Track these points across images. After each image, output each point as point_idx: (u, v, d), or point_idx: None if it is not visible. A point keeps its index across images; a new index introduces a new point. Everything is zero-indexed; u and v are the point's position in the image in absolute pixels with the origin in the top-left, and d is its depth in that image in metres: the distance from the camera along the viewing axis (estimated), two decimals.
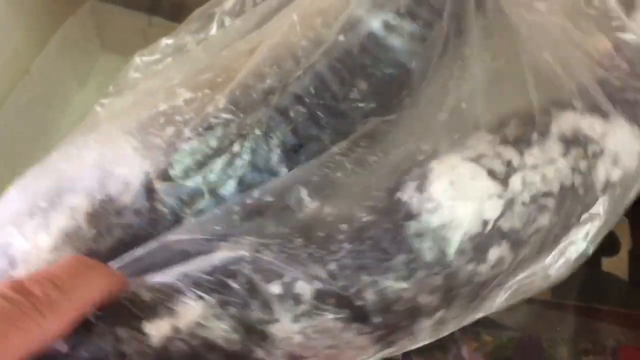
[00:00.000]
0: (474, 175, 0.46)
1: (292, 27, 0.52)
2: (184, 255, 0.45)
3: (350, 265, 0.44)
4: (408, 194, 0.46)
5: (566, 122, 0.49)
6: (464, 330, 0.70)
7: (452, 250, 0.45)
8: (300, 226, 0.45)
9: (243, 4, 0.57)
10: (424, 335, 0.47)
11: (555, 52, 0.52)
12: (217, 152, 0.48)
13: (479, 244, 0.46)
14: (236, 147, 0.49)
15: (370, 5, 0.52)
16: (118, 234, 0.47)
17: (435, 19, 0.52)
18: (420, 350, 0.70)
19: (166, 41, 0.57)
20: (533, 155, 0.48)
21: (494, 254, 0.46)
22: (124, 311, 0.42)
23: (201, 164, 0.48)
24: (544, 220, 0.47)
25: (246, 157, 0.49)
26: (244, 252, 0.44)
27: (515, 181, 0.47)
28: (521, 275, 0.49)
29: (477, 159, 0.47)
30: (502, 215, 0.46)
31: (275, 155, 0.49)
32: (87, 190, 0.47)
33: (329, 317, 0.43)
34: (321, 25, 0.52)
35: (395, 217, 0.45)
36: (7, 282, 0.38)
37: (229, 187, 0.48)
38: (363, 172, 0.47)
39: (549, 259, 0.49)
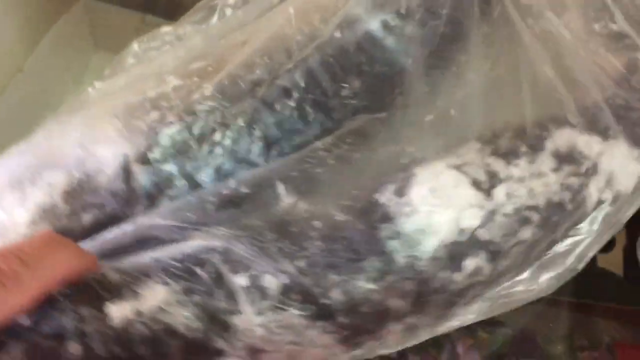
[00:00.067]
0: (456, 184, 0.46)
1: (288, 20, 0.51)
2: (157, 241, 0.45)
3: (320, 263, 0.43)
4: (386, 197, 0.45)
5: (562, 138, 0.49)
6: (459, 327, 0.70)
7: (425, 256, 0.44)
8: (274, 220, 0.45)
9: None
10: (393, 340, 0.47)
11: (559, 66, 0.51)
12: (198, 139, 0.48)
13: (455, 252, 0.45)
14: (218, 136, 0.48)
15: (369, 5, 0.52)
16: (92, 213, 0.47)
17: (435, 23, 0.52)
18: (416, 348, 0.69)
19: (165, 29, 0.57)
20: (520, 167, 0.47)
21: (470, 263, 0.45)
22: (89, 291, 0.42)
23: (181, 150, 0.48)
24: (527, 233, 0.47)
25: (227, 146, 0.48)
26: (215, 242, 0.44)
27: (499, 192, 0.46)
28: (501, 287, 0.48)
29: (462, 167, 0.47)
30: (481, 225, 0.45)
31: (257, 147, 0.49)
32: (66, 168, 0.47)
33: (294, 313, 0.43)
34: (319, 21, 0.52)
35: (370, 219, 0.44)
36: None
37: (207, 175, 0.48)
38: (344, 169, 0.47)
39: (531, 273, 0.49)
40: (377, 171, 0.47)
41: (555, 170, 0.47)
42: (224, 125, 0.49)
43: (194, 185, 0.48)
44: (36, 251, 0.40)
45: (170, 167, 0.48)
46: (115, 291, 0.42)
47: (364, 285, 0.44)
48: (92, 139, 0.48)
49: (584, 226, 0.49)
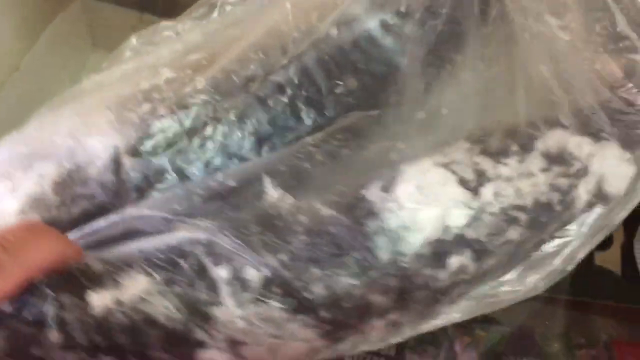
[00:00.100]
0: (444, 182, 0.46)
1: (285, 15, 0.52)
2: (143, 232, 0.46)
3: (303, 257, 0.43)
4: (373, 193, 0.45)
5: (553, 139, 0.48)
6: (457, 325, 0.70)
7: (409, 252, 0.44)
8: (259, 214, 0.45)
9: None
10: (377, 336, 0.47)
11: (555, 68, 0.51)
12: (189, 133, 0.48)
13: (440, 249, 0.45)
14: (209, 130, 0.49)
15: (369, 5, 0.52)
16: (81, 204, 0.48)
17: (434, 23, 0.52)
18: (413, 345, 0.70)
19: (165, 24, 0.57)
20: (510, 167, 0.47)
21: (455, 261, 0.45)
22: (72, 279, 0.42)
23: (171, 143, 0.48)
24: (514, 233, 0.46)
25: (218, 140, 0.49)
26: (200, 234, 0.44)
27: (487, 191, 0.46)
28: (487, 286, 0.48)
29: (449, 165, 0.47)
30: (467, 223, 0.45)
31: (248, 143, 0.49)
32: (57, 158, 0.48)
33: (275, 306, 0.43)
34: (316, 19, 0.52)
35: (355, 214, 0.44)
36: None
37: (197, 169, 0.48)
38: (333, 165, 0.47)
39: (518, 273, 0.48)
40: (366, 167, 0.47)
41: (545, 170, 0.47)
42: (215, 119, 0.49)
43: (184, 179, 0.49)
44: (19, 239, 0.41)
45: (160, 160, 0.48)
46: (97, 280, 0.42)
47: (346, 280, 0.44)
48: (83, 130, 0.49)
49: (572, 227, 0.48)
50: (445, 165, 0.46)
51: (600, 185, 0.48)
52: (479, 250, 0.46)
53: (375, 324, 0.46)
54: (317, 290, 0.43)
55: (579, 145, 0.48)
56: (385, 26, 0.51)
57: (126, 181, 0.48)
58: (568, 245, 0.48)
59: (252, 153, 0.49)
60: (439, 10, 0.51)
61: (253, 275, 0.43)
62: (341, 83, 0.51)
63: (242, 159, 0.49)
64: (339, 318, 0.44)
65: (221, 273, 0.43)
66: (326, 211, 0.44)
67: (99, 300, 0.42)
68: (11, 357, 0.41)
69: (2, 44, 0.84)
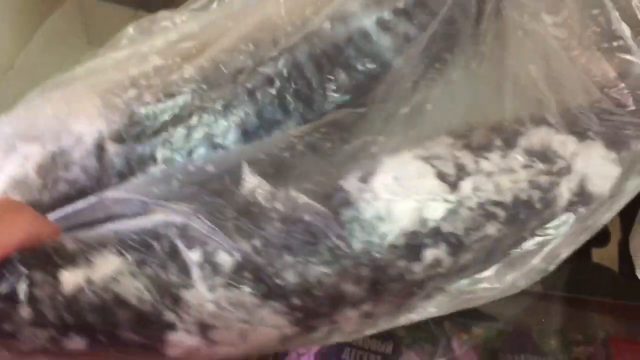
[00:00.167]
0: (420, 174, 0.46)
1: (277, 7, 0.52)
2: (121, 214, 0.46)
3: (276, 244, 0.44)
4: (350, 183, 0.45)
5: (537, 136, 0.48)
6: (454, 322, 0.70)
7: (383, 243, 0.44)
8: (236, 200, 0.45)
9: None
10: (350, 326, 0.46)
11: (546, 66, 0.51)
12: (174, 121, 0.49)
13: (415, 241, 0.45)
14: (194, 119, 0.49)
15: (365, 1, 0.52)
16: (62, 188, 0.48)
17: (431, 21, 0.52)
18: (410, 343, 0.70)
19: (163, 14, 0.58)
20: (491, 162, 0.47)
21: (430, 254, 0.45)
22: (45, 257, 0.42)
23: (156, 131, 0.49)
24: (491, 229, 0.46)
25: (203, 130, 0.49)
26: (175, 217, 0.45)
27: (466, 185, 0.46)
28: (465, 282, 0.48)
29: (429, 159, 0.47)
30: (444, 217, 0.45)
31: (234, 134, 0.49)
32: (42, 141, 0.49)
33: (245, 291, 0.43)
34: (311, 14, 0.52)
35: (331, 203, 0.44)
36: None
37: (181, 158, 0.49)
38: (313, 156, 0.47)
39: (496, 270, 0.48)
40: (346, 160, 0.47)
41: (526, 167, 0.47)
42: (201, 108, 0.49)
43: (167, 167, 0.49)
44: None
45: (144, 148, 0.49)
46: (70, 258, 0.43)
47: (319, 268, 0.44)
48: (69, 114, 0.49)
49: (553, 226, 0.48)
50: (425, 159, 0.46)
51: (583, 185, 0.48)
52: (455, 245, 0.46)
53: (349, 315, 0.46)
54: (289, 277, 0.44)
55: (563, 143, 0.48)
56: (381, 23, 0.52)
57: (109, 167, 0.48)
58: (548, 244, 0.48)
59: (237, 145, 0.49)
60: (435, 9, 0.52)
61: (225, 259, 0.43)
62: (332, 78, 0.51)
63: (227, 150, 0.49)
64: (311, 306, 0.44)
65: (193, 256, 0.43)
66: (302, 199, 0.44)
67: (71, 278, 0.42)
68: None
69: None
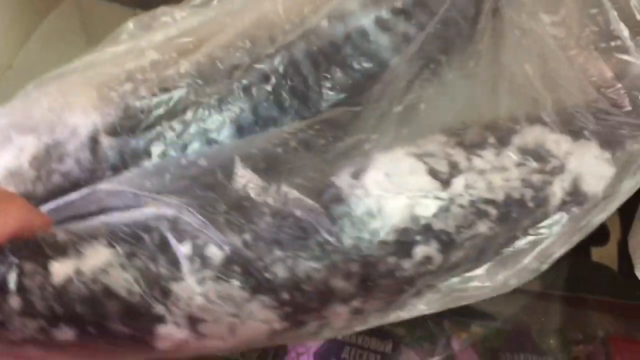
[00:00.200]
0: (412, 171, 0.46)
1: (275, 5, 0.52)
2: (113, 207, 0.46)
3: (267, 238, 0.44)
4: (342, 179, 0.45)
5: (531, 134, 0.48)
6: (453, 321, 0.70)
7: (373, 239, 0.44)
8: (227, 193, 0.45)
9: None
10: (340, 322, 0.46)
11: (542, 65, 0.50)
12: (168, 116, 0.49)
13: (405, 238, 0.45)
14: (189, 114, 0.49)
15: (364, 1, 0.52)
16: (56, 180, 0.48)
17: (429, 21, 0.52)
18: (409, 342, 0.70)
19: (164, 9, 0.57)
20: (484, 159, 0.47)
21: (420, 251, 0.45)
22: (36, 247, 0.43)
23: (150, 125, 0.49)
24: (483, 227, 0.46)
25: (198, 125, 0.49)
26: (166, 210, 0.45)
27: (458, 183, 0.46)
28: (456, 280, 0.48)
29: (421, 156, 0.47)
30: (435, 214, 0.45)
31: (228, 130, 0.49)
32: (37, 133, 0.49)
33: (235, 285, 0.43)
34: (309, 12, 0.52)
35: (322, 199, 0.45)
36: None
37: (174, 153, 0.49)
38: (306, 152, 0.47)
39: (489, 269, 0.48)
40: (339, 156, 0.47)
41: (519, 165, 0.47)
42: (196, 103, 0.49)
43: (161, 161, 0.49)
44: None
45: (138, 142, 0.49)
46: (60, 249, 0.43)
47: (308, 263, 0.44)
48: (65, 106, 0.49)
49: (546, 225, 0.48)
50: (417, 156, 0.46)
51: (577, 184, 0.48)
52: (446, 242, 0.45)
53: (339, 310, 0.46)
54: (279, 272, 0.44)
55: (557, 142, 0.48)
56: (379, 23, 0.52)
57: (103, 160, 0.48)
58: (541, 244, 0.48)
59: (231, 141, 0.49)
60: (435, 8, 0.52)
61: (215, 253, 0.43)
62: (329, 76, 0.51)
63: (221, 145, 0.49)
64: (300, 301, 0.44)
65: (183, 249, 0.43)
66: (293, 194, 0.44)
67: (61, 269, 0.42)
68: None
69: None
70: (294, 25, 0.51)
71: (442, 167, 0.46)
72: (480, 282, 0.47)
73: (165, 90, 0.49)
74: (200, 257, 0.43)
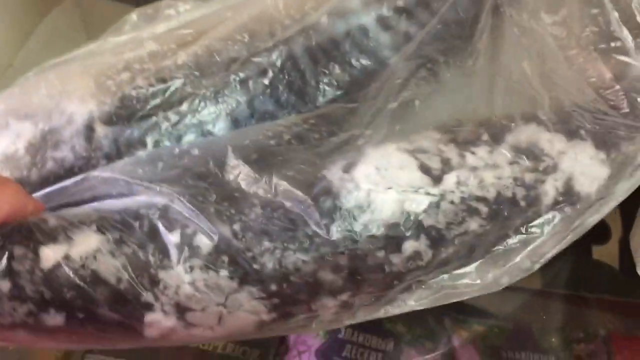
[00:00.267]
0: (403, 165, 0.46)
1: (275, 0, 0.52)
2: (106, 194, 0.47)
3: (256, 229, 0.44)
4: (333, 173, 0.45)
5: (526, 133, 0.48)
6: (454, 319, 0.70)
7: (362, 233, 0.44)
8: (218, 183, 0.45)
9: None
10: (329, 315, 0.46)
11: (541, 64, 0.51)
12: (164, 106, 0.49)
13: (394, 233, 0.45)
14: (185, 106, 0.50)
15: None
16: (51, 166, 0.49)
17: (430, 21, 0.52)
18: (410, 340, 0.70)
19: (168, 2, 0.58)
20: (476, 156, 0.47)
21: (410, 246, 0.45)
22: (26, 232, 0.43)
23: (146, 115, 0.49)
24: (473, 224, 0.46)
25: (193, 117, 0.49)
26: (157, 199, 0.45)
27: (449, 179, 0.46)
28: (446, 277, 0.48)
29: (413, 152, 0.47)
30: (426, 210, 0.45)
31: (224, 123, 0.50)
32: (34, 119, 0.49)
33: (222, 275, 0.43)
34: (310, 8, 0.53)
35: (312, 191, 0.45)
36: None
37: (169, 144, 0.49)
38: (299, 146, 0.47)
39: (480, 266, 0.48)
40: (332, 150, 0.47)
41: (511, 163, 0.47)
42: (192, 95, 0.50)
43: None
44: None
45: (133, 131, 0.49)
46: (51, 235, 0.43)
47: (296, 255, 0.44)
48: (63, 94, 0.50)
49: (537, 224, 0.48)
50: (409, 151, 0.46)
51: (570, 184, 0.47)
52: (436, 238, 0.46)
53: (327, 304, 0.46)
54: (267, 263, 0.44)
55: (550, 141, 0.48)
56: (380, 21, 0.52)
57: (97, 148, 0.49)
58: (532, 243, 0.48)
59: (227, 134, 0.50)
60: (436, 8, 0.52)
61: (204, 242, 0.44)
62: (327, 72, 0.51)
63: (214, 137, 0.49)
64: (288, 292, 0.45)
65: (172, 238, 0.44)
66: (284, 186, 0.45)
67: (50, 254, 0.42)
68: None
69: None
70: (293, 21, 0.52)
71: (434, 163, 0.46)
72: (471, 279, 0.47)
73: (162, 80, 0.49)
74: (189, 246, 0.44)
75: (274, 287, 0.44)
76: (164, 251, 0.44)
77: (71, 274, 0.42)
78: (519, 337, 0.73)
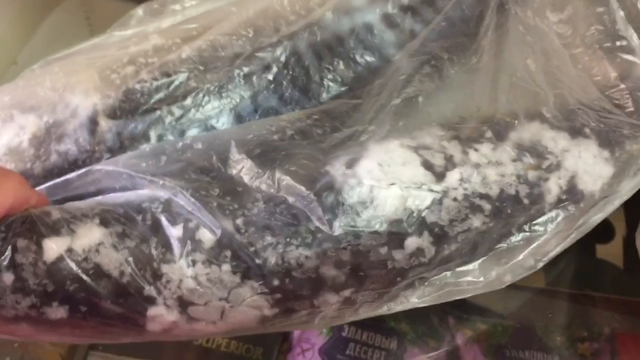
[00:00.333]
0: (405, 162, 0.46)
1: None
2: (109, 187, 0.47)
3: (258, 224, 0.44)
4: (336, 168, 0.45)
5: (529, 130, 0.48)
6: (458, 318, 0.70)
7: (365, 229, 0.44)
8: (221, 177, 0.46)
9: None
10: (331, 311, 0.46)
11: (545, 62, 0.50)
12: (168, 100, 0.49)
13: (397, 229, 0.45)
14: (189, 100, 0.50)
15: None
16: (54, 159, 0.49)
17: (434, 19, 0.52)
18: (414, 338, 0.70)
19: None
20: (480, 153, 0.47)
21: (412, 243, 0.45)
22: (29, 224, 0.43)
23: (149, 109, 0.49)
24: (476, 221, 0.46)
25: (197, 112, 0.50)
26: (160, 193, 0.45)
27: (452, 176, 0.46)
28: (449, 274, 0.48)
29: (416, 148, 0.47)
30: (429, 206, 0.45)
31: (227, 118, 0.50)
32: (38, 112, 0.50)
33: (225, 269, 0.43)
34: (316, 5, 0.53)
35: (315, 187, 0.45)
36: None
37: (171, 137, 0.50)
38: (303, 141, 0.48)
39: (483, 264, 0.48)
40: (335, 146, 0.47)
41: (515, 161, 0.47)
42: (196, 89, 0.50)
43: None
44: None
45: (136, 125, 0.49)
46: (54, 227, 0.43)
47: (299, 250, 0.44)
48: (67, 87, 0.50)
49: (541, 222, 0.48)
50: (412, 148, 0.46)
51: (573, 182, 0.47)
52: (439, 235, 0.45)
53: (330, 300, 0.46)
54: (269, 258, 0.44)
55: (554, 139, 0.48)
56: (385, 18, 0.52)
57: (101, 142, 0.49)
58: (536, 241, 0.47)
59: (230, 128, 0.50)
60: (441, 6, 0.52)
61: (206, 236, 0.44)
62: (331, 68, 0.51)
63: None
64: (290, 288, 0.45)
65: (175, 231, 0.44)
66: (287, 181, 0.45)
67: (53, 246, 0.43)
68: None
69: None
70: (298, 17, 0.52)
71: (437, 160, 0.46)
72: (474, 277, 0.47)
73: (166, 74, 0.50)
74: (191, 240, 0.44)
75: (276, 282, 0.44)
76: (166, 245, 0.44)
77: (74, 267, 0.42)
78: (523, 335, 0.72)
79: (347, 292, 0.46)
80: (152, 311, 0.44)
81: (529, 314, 0.73)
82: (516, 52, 0.50)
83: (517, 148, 0.47)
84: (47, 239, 0.43)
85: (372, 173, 0.44)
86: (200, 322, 0.45)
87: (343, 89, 0.51)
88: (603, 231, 0.78)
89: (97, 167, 0.46)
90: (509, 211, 0.46)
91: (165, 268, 0.43)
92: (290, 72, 0.50)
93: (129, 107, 0.48)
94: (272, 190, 0.45)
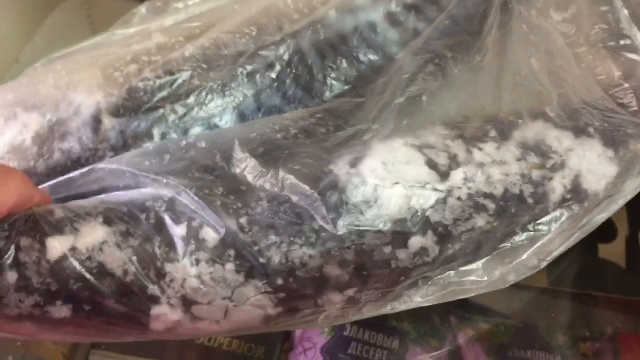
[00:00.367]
0: (410, 161, 0.46)
1: None
2: (112, 186, 0.47)
3: (262, 223, 0.44)
4: (340, 167, 0.45)
5: (534, 130, 0.48)
6: (460, 317, 0.70)
7: (369, 228, 0.44)
8: (225, 176, 0.45)
9: None
10: (335, 311, 0.46)
11: (549, 61, 0.50)
12: (171, 99, 0.49)
13: (401, 229, 0.45)
14: (192, 99, 0.49)
15: None
16: (58, 158, 0.49)
17: (438, 17, 0.52)
18: (416, 338, 0.70)
19: None
20: (484, 153, 0.47)
21: (416, 242, 0.45)
22: (33, 223, 0.43)
23: (153, 107, 0.49)
24: (481, 221, 0.46)
25: (200, 110, 0.49)
26: (164, 192, 0.45)
27: (457, 176, 0.46)
28: (453, 274, 0.48)
29: (420, 147, 0.46)
30: (433, 206, 0.45)
31: (230, 116, 0.50)
32: (41, 110, 0.49)
33: (229, 268, 0.43)
34: (319, 4, 0.53)
35: (319, 186, 0.45)
36: None
37: (175, 136, 0.49)
38: (306, 140, 0.47)
39: (487, 264, 0.48)
40: (339, 145, 0.47)
41: (519, 160, 0.47)
42: (199, 88, 0.50)
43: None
44: None
45: (139, 124, 0.49)
46: (58, 226, 0.43)
47: (303, 249, 0.44)
48: (70, 85, 0.50)
49: (545, 222, 0.47)
50: (416, 147, 0.46)
51: (578, 182, 0.47)
52: (443, 234, 0.45)
53: (334, 299, 0.46)
54: (273, 257, 0.44)
55: (558, 138, 0.48)
56: (389, 17, 0.52)
57: (104, 140, 0.49)
58: (540, 241, 0.47)
59: (233, 127, 0.50)
60: (445, 5, 0.52)
61: (210, 235, 0.44)
62: (334, 67, 0.51)
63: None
64: (294, 287, 0.44)
65: (179, 231, 0.44)
66: (291, 180, 0.44)
67: (57, 245, 0.42)
68: None
69: (0, 37, 0.83)
70: (302, 15, 0.52)
71: (441, 159, 0.46)
72: (478, 276, 0.47)
73: (170, 73, 0.49)
74: (195, 239, 0.44)
75: (280, 282, 0.44)
76: (170, 244, 0.44)
77: (78, 266, 0.42)
78: (525, 335, 0.72)
79: (351, 292, 0.45)
80: (155, 310, 0.44)
81: (531, 314, 0.73)
82: (520, 51, 0.50)
83: (521, 147, 0.47)
84: (51, 237, 0.43)
85: (376, 172, 0.44)
86: (204, 321, 0.45)
87: (346, 87, 0.51)
88: (606, 231, 0.78)
89: (100, 165, 0.46)
90: (513, 211, 0.46)
91: (169, 267, 0.43)
92: (294, 71, 0.50)
93: (133, 105, 0.48)
94: (276, 190, 0.44)
